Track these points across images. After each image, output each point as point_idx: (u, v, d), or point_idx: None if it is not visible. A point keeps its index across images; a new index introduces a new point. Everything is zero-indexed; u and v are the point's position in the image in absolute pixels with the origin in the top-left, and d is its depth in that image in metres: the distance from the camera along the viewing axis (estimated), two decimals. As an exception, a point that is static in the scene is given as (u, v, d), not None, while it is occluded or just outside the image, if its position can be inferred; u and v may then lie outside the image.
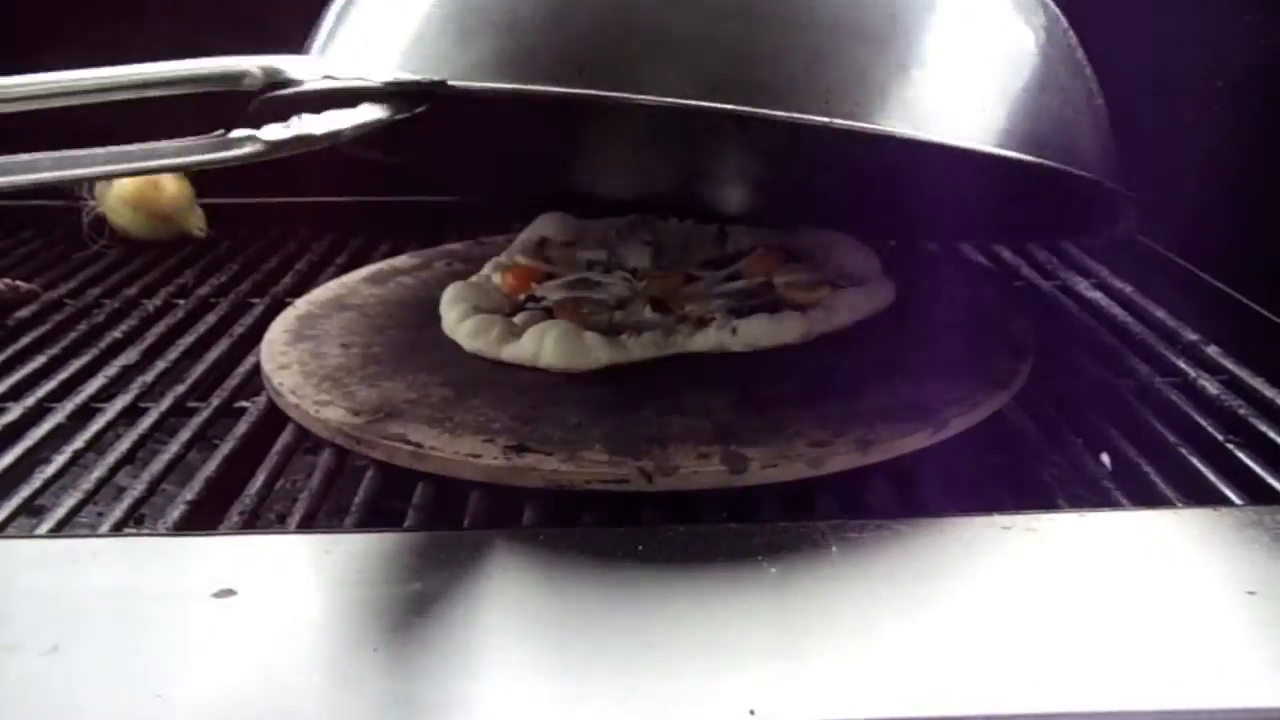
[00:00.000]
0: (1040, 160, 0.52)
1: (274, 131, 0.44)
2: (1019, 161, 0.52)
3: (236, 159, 0.43)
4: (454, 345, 0.66)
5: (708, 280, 0.73)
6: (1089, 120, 0.58)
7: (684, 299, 0.69)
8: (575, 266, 0.75)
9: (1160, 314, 0.73)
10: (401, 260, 0.83)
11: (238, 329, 0.74)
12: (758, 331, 0.64)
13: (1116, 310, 0.74)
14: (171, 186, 0.93)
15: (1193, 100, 0.78)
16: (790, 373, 0.62)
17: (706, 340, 0.64)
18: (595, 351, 0.61)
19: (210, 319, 0.77)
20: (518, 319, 0.66)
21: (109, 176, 0.39)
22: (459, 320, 0.66)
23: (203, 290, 0.83)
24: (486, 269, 0.76)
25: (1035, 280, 0.83)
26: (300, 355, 0.65)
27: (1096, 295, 0.78)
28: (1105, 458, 0.59)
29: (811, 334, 0.66)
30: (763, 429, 0.55)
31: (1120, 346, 0.68)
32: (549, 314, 0.67)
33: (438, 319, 0.69)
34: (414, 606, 0.40)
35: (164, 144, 0.42)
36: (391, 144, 0.86)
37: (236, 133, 0.44)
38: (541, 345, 0.61)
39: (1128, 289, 0.78)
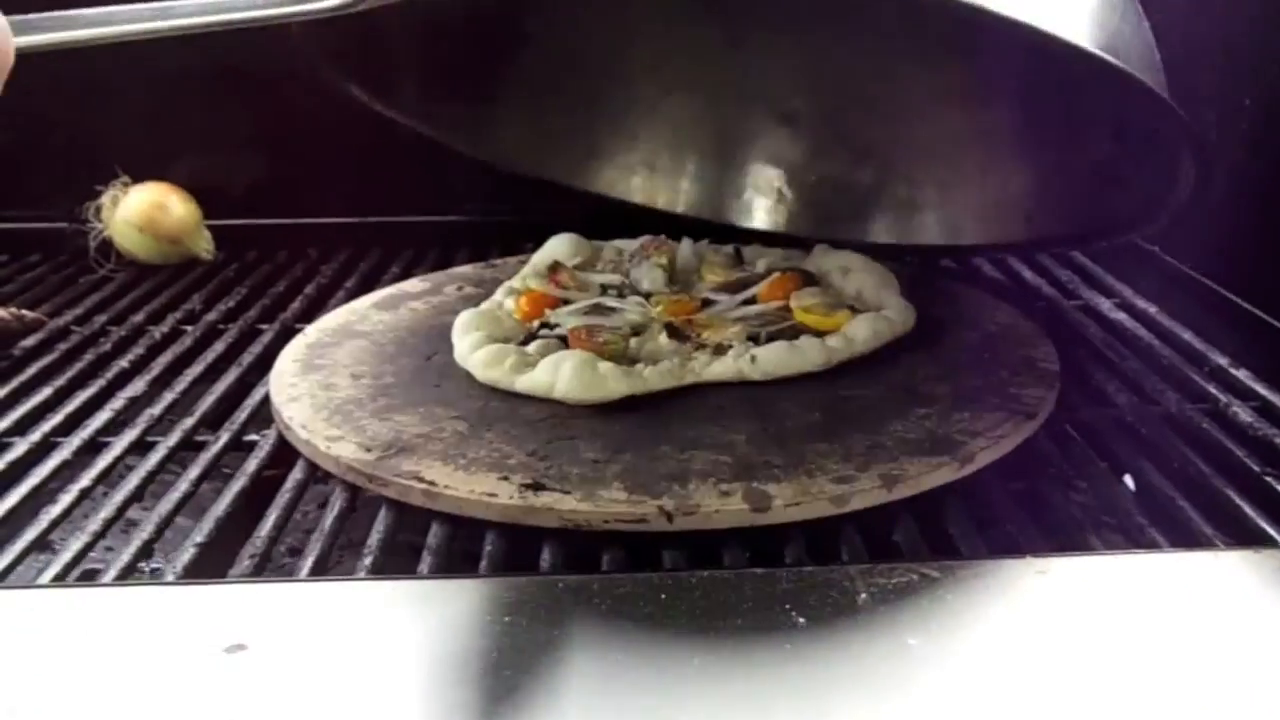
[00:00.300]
0: (1126, 67, 0.53)
1: None
2: (1108, 70, 0.53)
3: (329, 9, 0.42)
4: (466, 375, 0.64)
5: (724, 305, 0.72)
6: (1156, 63, 0.58)
7: (700, 325, 0.67)
8: (588, 290, 0.74)
9: (1187, 336, 0.71)
10: (411, 284, 0.82)
11: (246, 357, 0.73)
12: (777, 360, 0.63)
13: (1142, 332, 0.73)
14: (179, 209, 0.92)
15: (1219, 117, 0.77)
16: (810, 402, 0.60)
17: (725, 369, 0.63)
18: (611, 383, 0.60)
19: (218, 346, 0.76)
20: (531, 348, 0.65)
21: (211, 28, 0.39)
22: (471, 350, 0.65)
23: (210, 316, 0.82)
24: (498, 294, 0.75)
25: (1057, 300, 0.81)
26: (310, 387, 0.64)
27: (1120, 316, 0.76)
28: (1129, 479, 0.58)
29: (831, 361, 0.64)
30: (785, 465, 0.53)
31: (1146, 371, 0.67)
32: (563, 342, 0.65)
33: (449, 346, 0.68)
34: (429, 661, 0.39)
35: None
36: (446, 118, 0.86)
37: None
38: (556, 377, 0.60)
39: (1152, 309, 0.77)
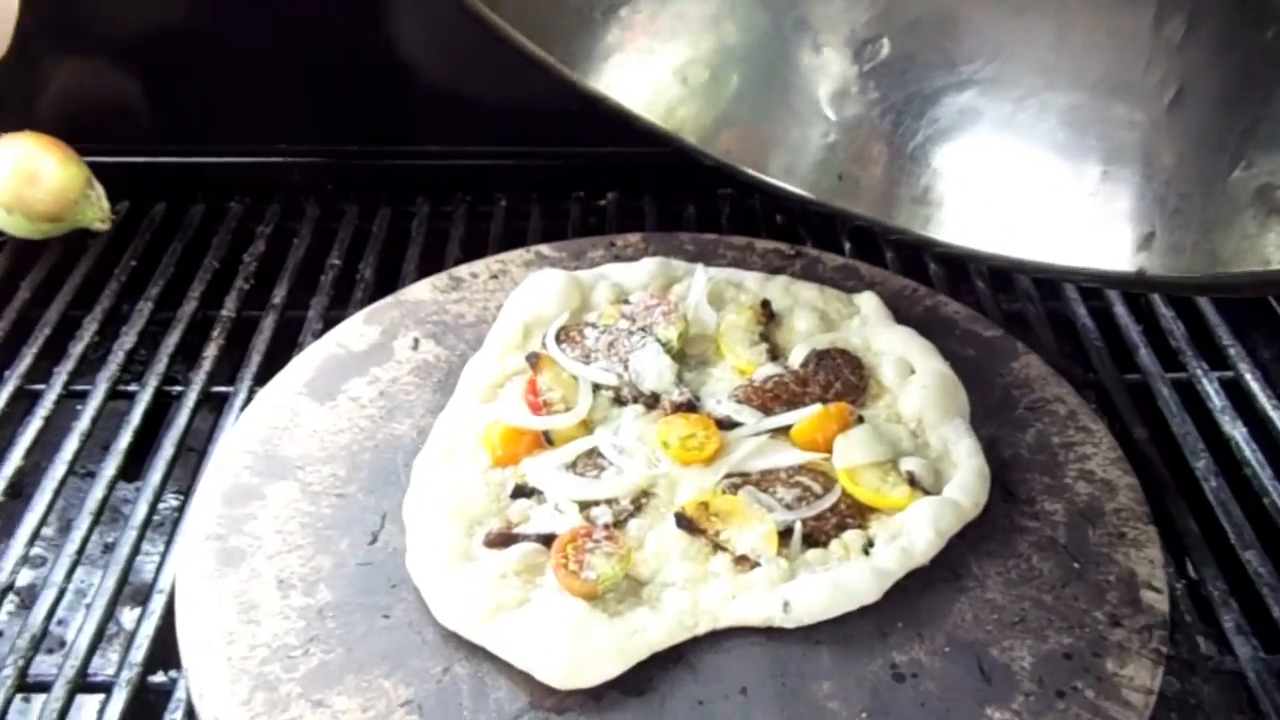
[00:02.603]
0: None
1: None
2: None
3: None
4: (419, 602, 0.51)
5: (748, 431, 0.57)
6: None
7: (718, 516, 0.53)
8: (574, 406, 0.58)
9: None
10: (354, 329, 0.65)
11: (154, 473, 0.59)
12: (814, 609, 0.50)
13: (1266, 478, 0.59)
14: (55, 177, 0.72)
15: None
16: (855, 685, 0.48)
17: (749, 612, 0.50)
18: (601, 667, 0.47)
19: (124, 438, 0.61)
20: (508, 560, 0.51)
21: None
22: (430, 570, 0.51)
23: (110, 369, 0.66)
24: (466, 391, 0.60)
25: (1153, 377, 0.66)
26: (226, 610, 0.50)
27: (1238, 434, 0.62)
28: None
29: (883, 591, 0.51)
30: None
31: (1272, 583, 0.54)
32: (545, 545, 0.51)
33: (397, 508, 0.54)
34: None
35: None
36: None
37: None
38: (536, 655, 0.47)
39: (1269, 407, 0.62)
